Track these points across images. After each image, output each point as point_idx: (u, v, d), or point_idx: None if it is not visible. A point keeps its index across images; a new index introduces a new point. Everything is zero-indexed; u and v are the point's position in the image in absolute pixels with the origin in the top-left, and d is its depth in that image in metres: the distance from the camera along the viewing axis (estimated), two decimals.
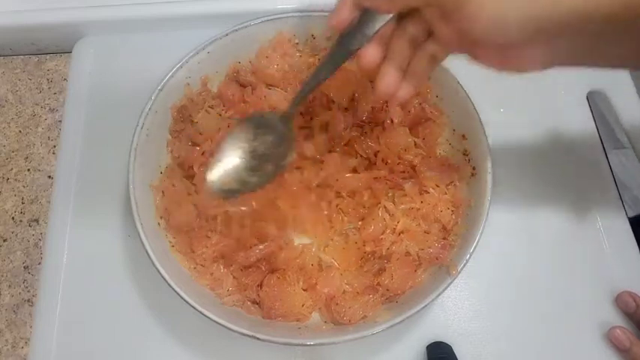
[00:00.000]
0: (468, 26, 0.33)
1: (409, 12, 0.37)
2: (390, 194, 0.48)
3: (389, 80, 0.38)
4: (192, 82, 0.51)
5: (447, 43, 0.37)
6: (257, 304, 0.46)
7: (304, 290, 0.46)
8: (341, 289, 0.45)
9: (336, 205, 0.48)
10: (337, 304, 0.44)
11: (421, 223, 0.47)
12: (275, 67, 0.53)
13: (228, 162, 0.44)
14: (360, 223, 0.48)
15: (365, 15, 0.38)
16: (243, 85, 0.53)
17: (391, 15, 0.37)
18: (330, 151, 0.50)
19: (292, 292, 0.45)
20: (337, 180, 0.48)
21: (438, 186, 0.48)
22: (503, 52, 0.35)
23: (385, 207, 0.47)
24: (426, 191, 0.48)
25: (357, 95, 0.51)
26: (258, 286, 0.46)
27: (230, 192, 0.43)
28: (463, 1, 0.32)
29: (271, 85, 0.53)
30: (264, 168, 0.44)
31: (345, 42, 0.39)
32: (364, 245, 0.47)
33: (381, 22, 0.37)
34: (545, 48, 0.34)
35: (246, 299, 0.46)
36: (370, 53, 0.38)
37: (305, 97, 0.44)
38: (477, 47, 0.36)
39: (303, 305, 0.45)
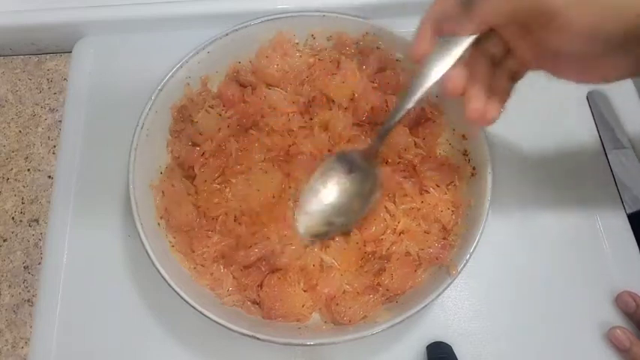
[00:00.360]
0: (555, 41, 0.33)
1: (487, 32, 0.37)
2: (390, 195, 0.48)
3: (477, 103, 0.37)
4: (192, 82, 0.51)
5: (527, 59, 0.37)
6: (257, 304, 0.46)
7: (304, 291, 0.45)
8: (341, 289, 0.45)
9: None
10: (337, 304, 0.44)
11: (421, 223, 0.47)
12: (275, 67, 0.53)
13: (314, 206, 0.45)
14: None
15: (445, 41, 0.37)
16: (243, 85, 0.53)
17: (471, 37, 0.37)
18: (329, 151, 0.50)
19: (293, 292, 0.45)
20: None
21: (438, 186, 0.48)
22: (586, 63, 0.35)
23: (386, 207, 0.47)
24: (426, 191, 0.48)
25: (356, 95, 0.51)
26: (258, 286, 0.46)
27: (319, 235, 0.45)
28: (550, 18, 0.32)
29: (271, 85, 0.53)
30: (351, 206, 0.45)
31: (427, 70, 0.38)
32: (365, 245, 0.47)
33: (461, 45, 0.37)
34: (635, 55, 0.33)
35: (246, 299, 0.46)
36: (455, 78, 0.37)
37: (386, 134, 0.43)
38: (556, 61, 0.36)
39: (303, 306, 0.45)
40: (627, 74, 0.35)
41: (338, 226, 0.45)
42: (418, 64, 0.39)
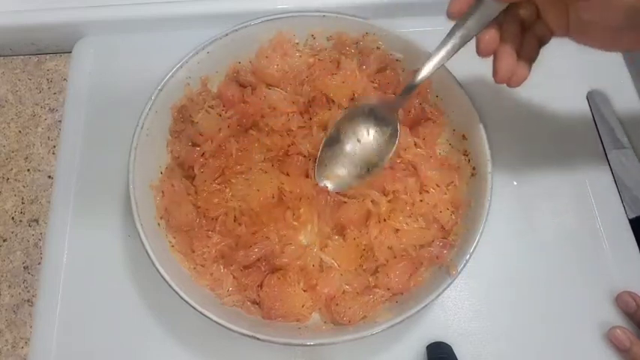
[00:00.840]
0: (591, 14, 0.35)
1: None
2: (390, 199, 0.48)
3: (507, 62, 0.39)
4: (192, 82, 0.51)
5: (555, 26, 0.39)
6: (257, 304, 0.46)
7: (304, 291, 0.45)
8: (341, 290, 0.45)
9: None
10: (337, 304, 0.44)
11: (420, 222, 0.47)
12: (275, 67, 0.53)
13: (334, 155, 0.47)
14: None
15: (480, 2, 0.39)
16: (243, 85, 0.53)
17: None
18: None
19: (292, 292, 0.45)
20: None
21: (438, 186, 0.48)
22: (615, 35, 0.36)
23: (385, 205, 0.47)
24: (426, 191, 0.48)
25: (356, 95, 0.51)
26: (258, 286, 0.46)
27: (337, 184, 0.47)
28: None
29: (271, 85, 0.53)
30: (363, 164, 0.47)
31: (458, 30, 0.40)
32: (363, 242, 0.47)
33: (494, 7, 0.38)
34: None
35: (246, 299, 0.46)
36: (489, 38, 0.39)
37: (413, 89, 0.44)
38: (584, 30, 0.37)
39: (303, 306, 0.45)
40: None
41: (356, 177, 0.47)
42: (453, 20, 0.40)
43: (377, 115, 0.47)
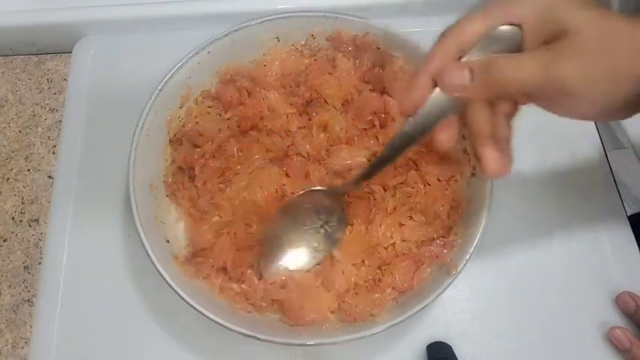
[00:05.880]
0: (561, 111, 0.34)
1: None
2: (393, 194, 0.48)
3: (494, 160, 0.35)
4: (192, 83, 0.51)
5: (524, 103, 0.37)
6: (257, 304, 0.46)
7: (327, 291, 0.45)
8: (350, 286, 0.45)
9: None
10: (344, 301, 0.45)
11: (423, 217, 0.47)
12: (274, 69, 0.52)
13: (278, 252, 0.46)
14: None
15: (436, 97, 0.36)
16: (242, 87, 0.53)
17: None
18: (327, 151, 0.50)
19: (316, 292, 0.45)
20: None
21: (439, 180, 0.48)
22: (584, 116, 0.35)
23: (390, 199, 0.47)
24: (427, 184, 0.48)
25: (350, 97, 0.51)
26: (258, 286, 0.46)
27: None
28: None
29: (270, 87, 0.53)
30: (315, 247, 0.46)
31: (415, 123, 0.37)
32: (366, 235, 0.47)
33: (455, 103, 0.36)
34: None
35: (246, 300, 0.46)
36: (447, 135, 0.36)
37: (363, 179, 0.43)
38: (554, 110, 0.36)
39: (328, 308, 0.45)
40: (622, 117, 0.36)
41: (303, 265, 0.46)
42: (406, 116, 0.37)
43: (323, 204, 0.46)
